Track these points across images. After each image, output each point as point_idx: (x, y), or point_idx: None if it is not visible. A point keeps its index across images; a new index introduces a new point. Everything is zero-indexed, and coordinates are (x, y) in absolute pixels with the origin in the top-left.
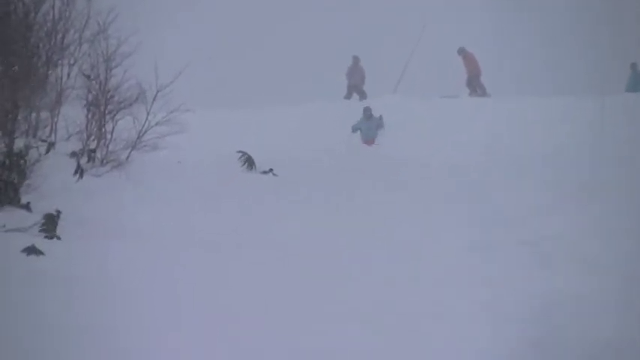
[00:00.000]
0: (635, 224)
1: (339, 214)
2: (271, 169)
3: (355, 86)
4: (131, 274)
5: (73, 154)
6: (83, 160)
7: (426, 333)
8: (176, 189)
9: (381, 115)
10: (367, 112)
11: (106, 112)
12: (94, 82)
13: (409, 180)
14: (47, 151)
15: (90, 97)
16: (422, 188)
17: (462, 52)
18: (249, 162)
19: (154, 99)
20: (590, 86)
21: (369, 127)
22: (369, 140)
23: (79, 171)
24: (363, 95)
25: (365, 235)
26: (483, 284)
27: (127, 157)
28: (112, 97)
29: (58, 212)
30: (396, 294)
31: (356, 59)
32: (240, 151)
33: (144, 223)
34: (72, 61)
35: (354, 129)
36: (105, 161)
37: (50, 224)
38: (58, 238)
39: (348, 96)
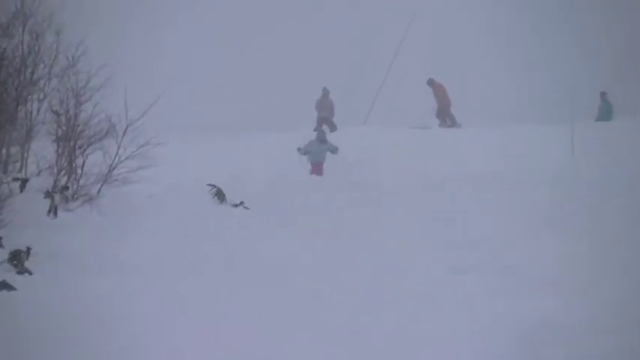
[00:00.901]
0: (607, 248)
1: (314, 240)
2: (242, 202)
3: (325, 118)
4: (105, 307)
5: (48, 194)
6: (57, 198)
7: (404, 349)
8: (147, 223)
9: (335, 147)
10: (321, 135)
11: (76, 146)
12: (63, 117)
13: (384, 207)
14: (22, 189)
15: (60, 132)
16: (395, 213)
17: (431, 83)
18: (219, 195)
19: (124, 133)
20: (560, 115)
21: (321, 151)
22: (318, 164)
23: (54, 210)
24: (333, 127)
25: (342, 265)
26: (457, 308)
27: (98, 192)
28: (82, 131)
29: (28, 248)
30: (372, 317)
31: (325, 91)
32: (210, 184)
33: (116, 257)
34: (41, 97)
35: (302, 151)
36: (76, 196)
37: (18, 260)
38: (30, 273)
39: (318, 128)
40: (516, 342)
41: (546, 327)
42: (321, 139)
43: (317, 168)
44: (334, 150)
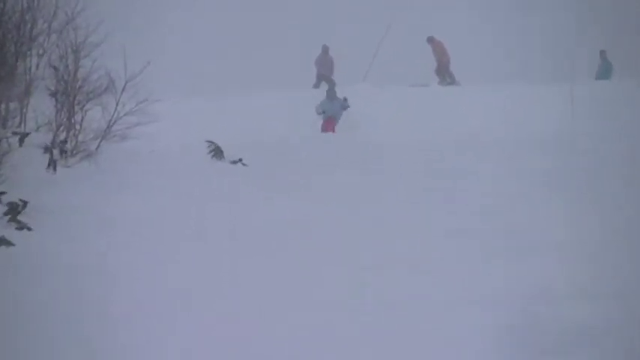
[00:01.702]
0: (605, 213)
1: (311, 202)
2: (240, 159)
3: (324, 75)
4: (104, 264)
5: (46, 149)
6: (56, 152)
7: (402, 317)
8: (146, 178)
9: (345, 97)
10: (330, 92)
11: (75, 102)
12: (62, 73)
13: (384, 166)
14: (21, 143)
15: (59, 88)
16: (396, 175)
17: (430, 40)
18: (217, 152)
19: (122, 89)
20: (559, 74)
21: (333, 109)
22: (329, 120)
23: (53, 164)
24: (332, 84)
25: (341, 221)
26: (457, 271)
27: (97, 148)
28: (81, 87)
29: (24, 202)
30: (372, 280)
31: (325, 48)
32: (208, 141)
33: (115, 213)
34: (41, 52)
35: (319, 110)
36: (75, 152)
37: (13, 214)
38: (29, 228)
39: (317, 85)
40: (514, 307)
41: (546, 292)
42: (331, 96)
43: (328, 123)
44: (345, 105)
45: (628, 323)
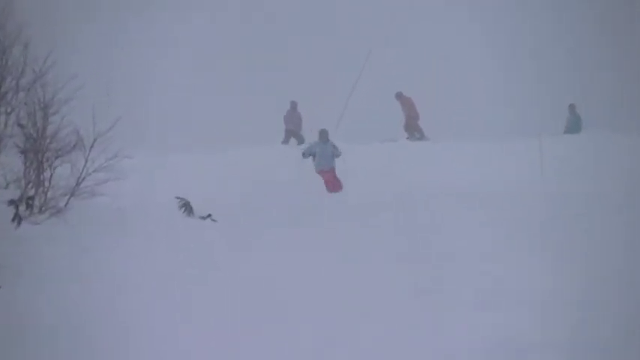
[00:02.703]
0: (577, 264)
1: (278, 254)
2: (209, 215)
3: (293, 131)
4: (73, 321)
5: (11, 202)
6: (22, 208)
7: None
8: (115, 236)
9: (333, 144)
10: (324, 134)
11: (44, 159)
12: (30, 130)
13: (354, 218)
14: None
15: (27, 145)
16: (364, 230)
17: (399, 96)
18: (187, 208)
19: (91, 146)
20: (528, 129)
21: (325, 152)
22: (325, 170)
23: (17, 219)
24: (301, 140)
25: (306, 281)
26: (425, 328)
27: (66, 204)
28: (50, 144)
29: None
30: (340, 335)
31: (293, 104)
32: (178, 197)
33: (83, 270)
34: (9, 110)
35: (306, 154)
36: (43, 209)
37: None
38: None
39: (286, 141)
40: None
41: (512, 343)
42: (324, 139)
43: (330, 178)
44: (337, 152)
45: None
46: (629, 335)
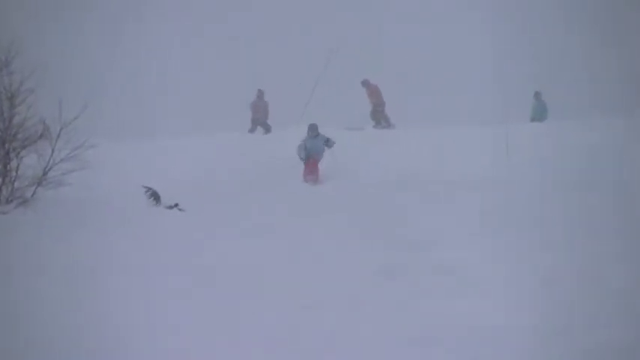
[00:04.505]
0: (543, 251)
1: (246, 240)
2: (177, 204)
3: (259, 119)
4: (43, 311)
5: None
6: None
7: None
8: (82, 225)
9: (328, 138)
10: (313, 129)
11: (11, 149)
12: None
13: (322, 205)
14: None
15: None
16: (335, 213)
17: (365, 83)
18: (154, 197)
19: (58, 135)
20: (494, 116)
21: (316, 147)
22: (311, 161)
23: None
24: (267, 129)
25: (277, 263)
26: (396, 309)
27: (33, 194)
28: (17, 134)
29: None
30: (309, 318)
31: (260, 93)
32: (145, 186)
33: (51, 259)
34: None
35: (301, 154)
36: (10, 199)
37: None
38: None
39: (253, 129)
40: (451, 344)
41: (484, 329)
42: (313, 133)
43: (310, 166)
44: (330, 143)
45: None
46: (597, 317)
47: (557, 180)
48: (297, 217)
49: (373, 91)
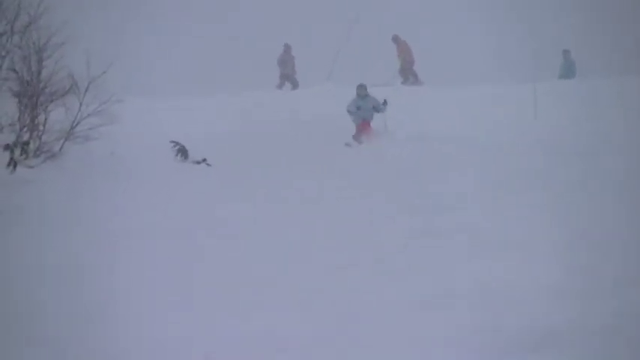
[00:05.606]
0: (570, 212)
1: (273, 204)
2: (204, 159)
3: (288, 75)
4: (70, 264)
5: (7, 147)
6: (17, 153)
7: (364, 321)
8: (110, 180)
9: (385, 100)
10: (362, 89)
11: (39, 103)
12: (25, 74)
13: (346, 167)
14: None
15: (22, 89)
16: (358, 175)
17: (395, 39)
18: (182, 152)
19: (85, 90)
20: (522, 74)
21: (366, 107)
22: (363, 122)
23: (13, 163)
24: (295, 84)
25: (302, 223)
26: (421, 272)
27: (61, 149)
28: (44, 88)
29: None
30: (335, 281)
31: (287, 47)
32: (172, 141)
33: (80, 214)
34: (3, 53)
35: (352, 109)
36: (38, 152)
37: None
38: None
39: (281, 85)
40: (478, 307)
41: (511, 291)
42: (362, 94)
43: (363, 127)
44: (379, 107)
45: (592, 323)
46: (619, 280)
47: (586, 137)
48: (322, 176)
49: (403, 48)
